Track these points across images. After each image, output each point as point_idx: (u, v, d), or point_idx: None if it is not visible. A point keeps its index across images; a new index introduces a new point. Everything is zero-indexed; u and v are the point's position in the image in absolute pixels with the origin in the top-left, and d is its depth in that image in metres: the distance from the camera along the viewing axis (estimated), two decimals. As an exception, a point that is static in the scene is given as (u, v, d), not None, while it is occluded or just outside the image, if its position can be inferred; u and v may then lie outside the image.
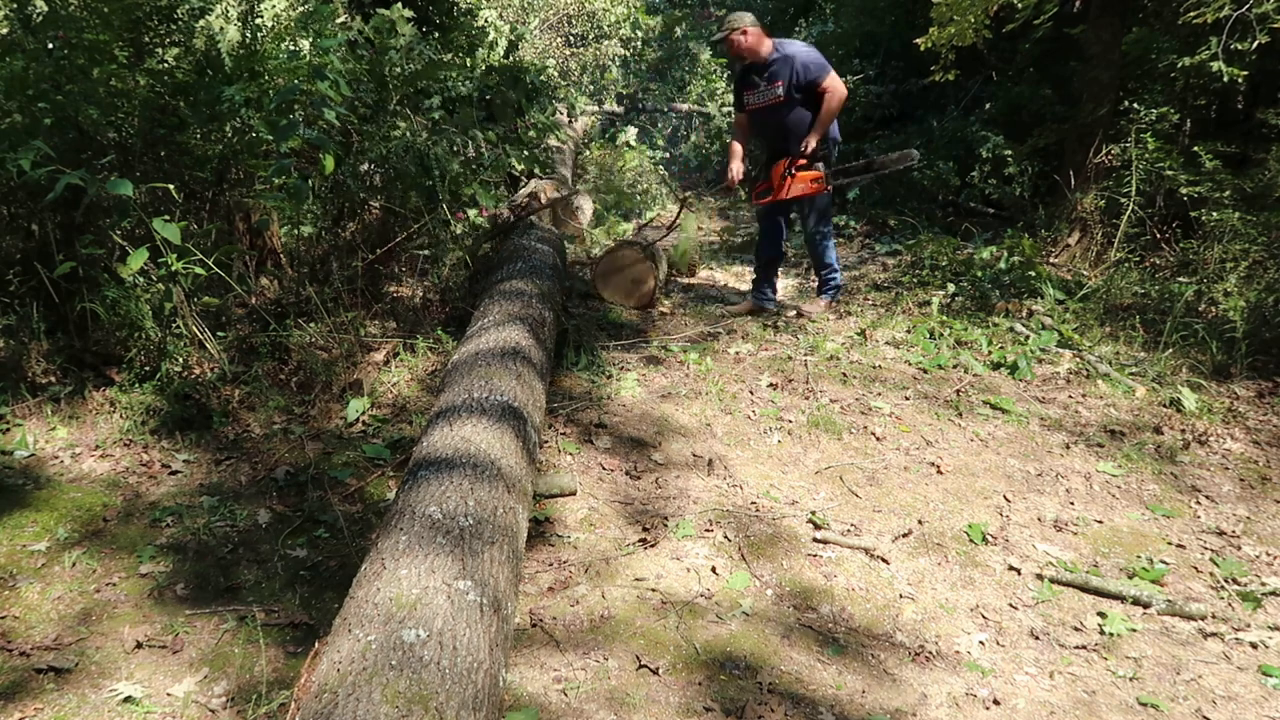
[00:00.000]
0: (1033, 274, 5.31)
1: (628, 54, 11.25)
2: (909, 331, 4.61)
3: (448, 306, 4.25)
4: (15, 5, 3.52)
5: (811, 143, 4.57)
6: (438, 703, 1.52)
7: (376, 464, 3.10)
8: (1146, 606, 2.49)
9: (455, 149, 4.50)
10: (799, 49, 4.60)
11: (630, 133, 9.98)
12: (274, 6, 6.10)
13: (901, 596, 2.50)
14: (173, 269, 3.23)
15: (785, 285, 5.98)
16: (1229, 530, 2.92)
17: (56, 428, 3.18)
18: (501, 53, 6.78)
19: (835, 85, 4.55)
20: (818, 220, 4.87)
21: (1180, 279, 5.09)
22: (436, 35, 6.07)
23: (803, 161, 4.63)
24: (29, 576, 2.41)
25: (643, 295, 4.88)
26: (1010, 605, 2.50)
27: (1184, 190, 5.37)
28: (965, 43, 6.14)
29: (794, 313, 5.00)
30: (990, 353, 4.32)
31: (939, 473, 3.20)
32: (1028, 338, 4.47)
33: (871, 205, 7.94)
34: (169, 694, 2.02)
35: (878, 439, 3.43)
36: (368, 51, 4.49)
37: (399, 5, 4.80)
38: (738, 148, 4.94)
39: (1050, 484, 3.18)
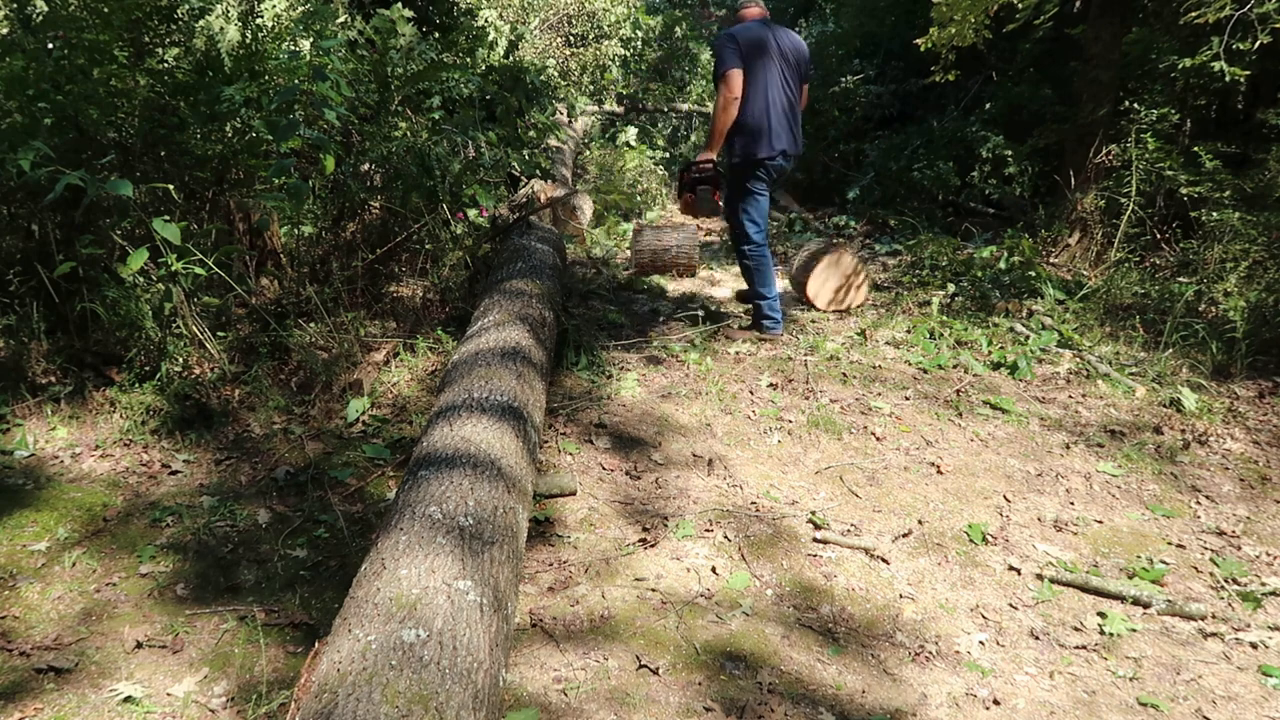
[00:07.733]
0: (1033, 274, 5.31)
1: (628, 54, 11.24)
2: (909, 331, 4.61)
3: (448, 306, 4.25)
4: (15, 5, 3.52)
5: (704, 155, 4.06)
6: (438, 703, 1.52)
7: (376, 464, 3.10)
8: (1146, 606, 2.49)
9: (456, 149, 4.50)
10: (722, 36, 3.99)
11: (630, 133, 9.98)
12: (274, 6, 6.10)
13: (901, 596, 2.50)
14: (173, 269, 3.24)
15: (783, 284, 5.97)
16: (1229, 530, 2.92)
17: (56, 428, 3.18)
18: (501, 53, 6.79)
19: (723, 88, 3.87)
20: (735, 240, 4.32)
21: (1180, 279, 5.09)
22: (436, 35, 6.08)
23: (695, 176, 4.07)
24: (29, 576, 2.41)
25: (840, 299, 5.01)
26: (1010, 605, 2.50)
27: (1184, 190, 5.38)
28: (965, 43, 6.15)
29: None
30: (990, 353, 4.32)
31: (939, 473, 3.20)
32: (1028, 338, 4.47)
33: (871, 205, 7.94)
34: (169, 694, 2.02)
35: (878, 439, 3.43)
36: (368, 52, 4.49)
37: (399, 5, 4.80)
38: None
39: (1050, 484, 3.18)
